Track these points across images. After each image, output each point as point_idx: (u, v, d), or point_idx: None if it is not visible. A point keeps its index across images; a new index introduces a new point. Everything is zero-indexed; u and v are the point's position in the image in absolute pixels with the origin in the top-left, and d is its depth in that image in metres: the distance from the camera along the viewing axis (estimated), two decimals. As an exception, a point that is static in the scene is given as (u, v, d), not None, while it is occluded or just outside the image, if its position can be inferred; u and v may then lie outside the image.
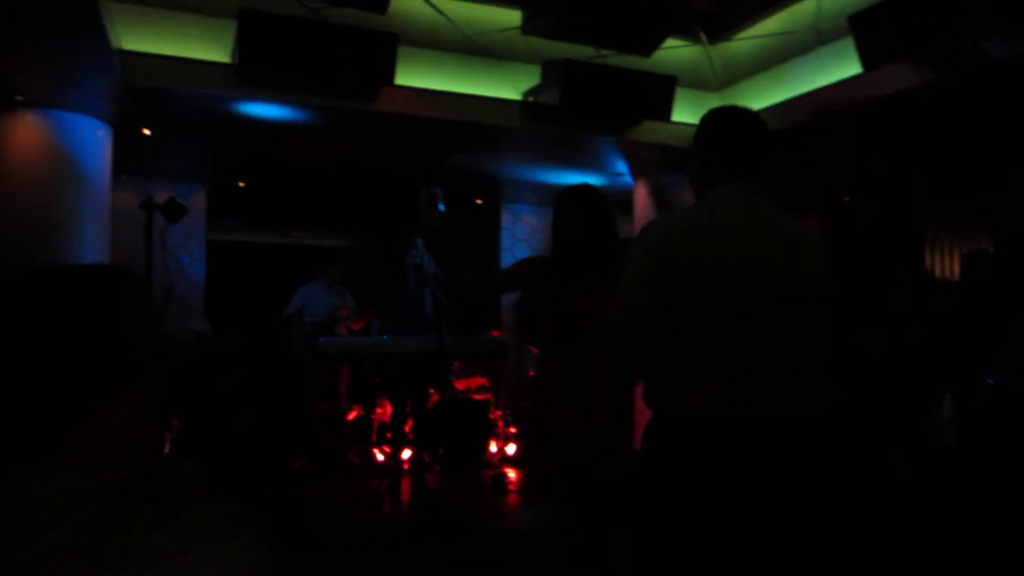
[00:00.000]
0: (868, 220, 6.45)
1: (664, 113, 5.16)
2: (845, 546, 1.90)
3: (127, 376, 0.92)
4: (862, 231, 6.49)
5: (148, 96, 4.53)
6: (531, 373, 6.30)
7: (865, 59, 4.34)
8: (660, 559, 1.94)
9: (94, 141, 4.85)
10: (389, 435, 6.18)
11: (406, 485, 5.64)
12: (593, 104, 5.00)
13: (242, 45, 4.10)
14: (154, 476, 0.99)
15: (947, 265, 7.96)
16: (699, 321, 1.92)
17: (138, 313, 0.96)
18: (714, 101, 5.66)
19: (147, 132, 5.30)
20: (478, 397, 6.64)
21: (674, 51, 5.29)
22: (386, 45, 4.37)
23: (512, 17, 4.82)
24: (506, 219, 8.45)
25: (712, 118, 2.17)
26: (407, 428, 5.75)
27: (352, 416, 7.33)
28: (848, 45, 4.47)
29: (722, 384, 1.89)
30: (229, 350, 6.35)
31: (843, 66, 4.75)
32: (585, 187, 2.91)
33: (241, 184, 7.38)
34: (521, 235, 8.49)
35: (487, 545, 4.61)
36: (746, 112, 2.14)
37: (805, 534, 1.89)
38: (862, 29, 4.29)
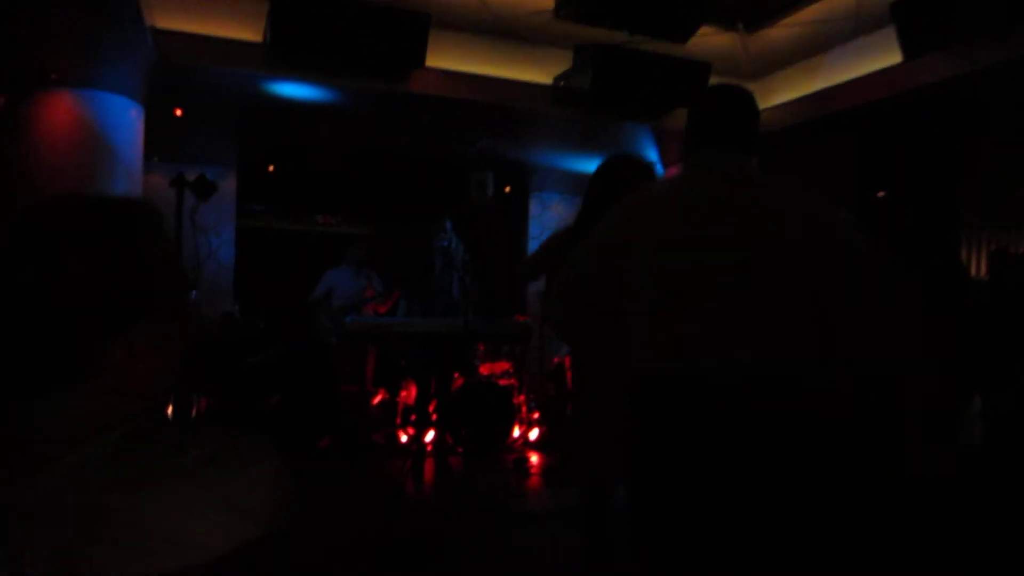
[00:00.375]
0: (902, 216, 6.35)
1: (698, 100, 5.09)
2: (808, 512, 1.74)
3: (148, 301, 0.95)
4: (895, 227, 6.39)
5: (180, 75, 4.56)
6: (555, 360, 6.29)
7: (906, 48, 4.26)
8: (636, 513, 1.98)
9: (127, 120, 4.90)
10: (413, 417, 6.20)
11: (429, 467, 5.66)
12: (625, 90, 4.95)
13: (274, 24, 4.11)
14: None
15: (984, 262, 7.81)
16: (651, 285, 1.94)
17: (158, 242, 0.99)
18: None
19: (179, 113, 5.33)
20: (502, 382, 6.63)
21: (709, 38, 5.21)
22: (418, 26, 4.35)
23: (545, 0, 4.78)
24: (534, 208, 8.42)
25: (700, 94, 2.23)
26: (431, 410, 5.76)
27: (377, 400, 7.36)
28: (888, 34, 4.39)
29: (669, 344, 1.89)
30: (257, 331, 6.39)
31: (882, 55, 4.66)
32: (625, 157, 2.89)
33: (271, 168, 7.41)
34: (549, 224, 8.45)
35: (507, 526, 4.62)
36: (731, 88, 2.13)
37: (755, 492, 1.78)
38: (904, 17, 4.21)
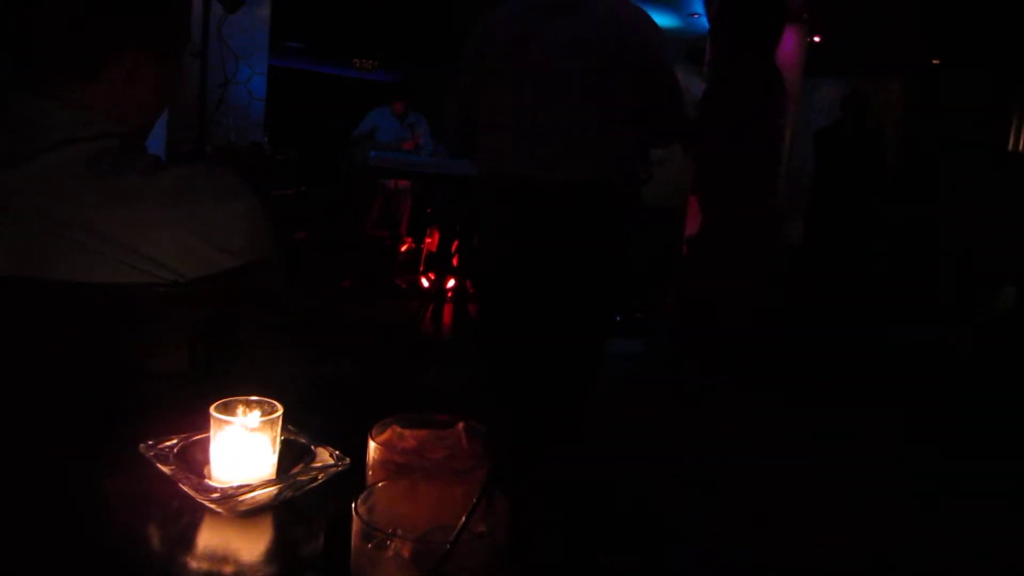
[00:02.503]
0: (952, 86, 6.02)
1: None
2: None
3: (152, 24, 1.01)
4: (948, 96, 6.08)
5: None
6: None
7: None
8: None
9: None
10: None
11: (448, 311, 5.72)
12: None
13: None
14: None
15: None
16: (489, 98, 2.21)
17: None
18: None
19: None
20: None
21: None
22: None
23: None
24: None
25: None
26: (453, 256, 5.76)
27: (405, 247, 7.39)
28: None
29: (498, 151, 2.22)
30: (286, 164, 6.34)
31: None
32: None
33: (307, -2, 7.16)
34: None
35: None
36: None
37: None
38: None
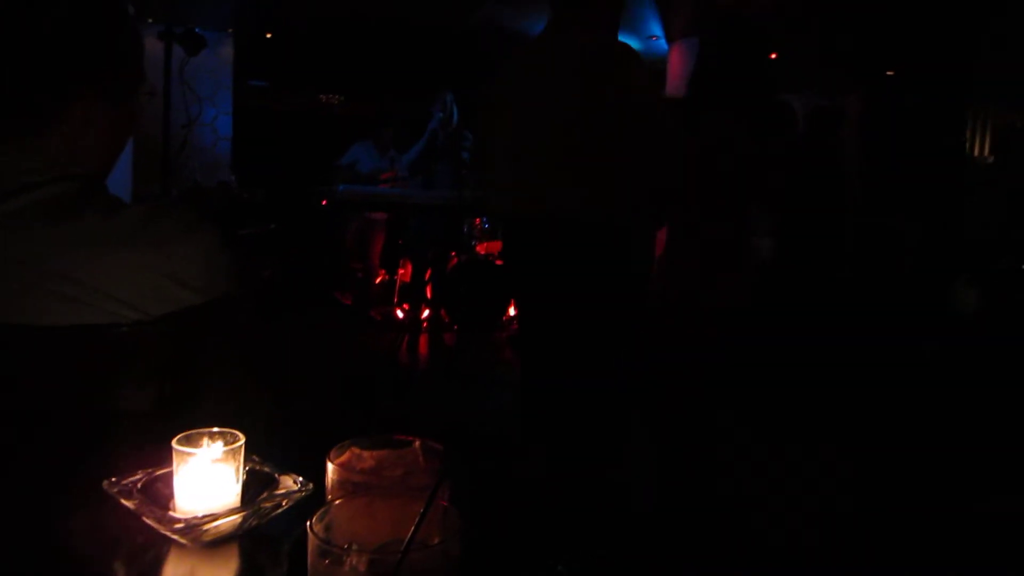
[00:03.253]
0: (910, 96, 6.17)
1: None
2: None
3: (107, 70, 1.02)
4: (903, 108, 6.23)
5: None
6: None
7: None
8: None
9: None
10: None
11: (423, 342, 5.73)
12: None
13: None
14: None
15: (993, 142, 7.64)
16: (493, 143, 2.36)
17: (125, 27, 1.06)
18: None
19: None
20: (499, 262, 6.63)
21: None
22: None
23: None
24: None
25: None
26: (426, 287, 5.78)
27: (379, 280, 7.40)
28: None
29: (497, 189, 2.40)
30: (255, 202, 6.35)
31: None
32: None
33: (269, 36, 7.21)
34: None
35: (497, 391, 4.70)
36: None
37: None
38: None
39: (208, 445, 0.79)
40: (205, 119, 6.57)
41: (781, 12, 5.26)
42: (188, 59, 4.15)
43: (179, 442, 0.78)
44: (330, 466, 0.69)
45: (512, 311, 6.58)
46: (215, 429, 0.80)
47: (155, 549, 0.75)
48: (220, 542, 0.77)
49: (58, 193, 0.96)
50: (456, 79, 8.05)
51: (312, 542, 0.55)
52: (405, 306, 6.43)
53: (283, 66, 8.69)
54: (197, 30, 4.07)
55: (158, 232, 0.99)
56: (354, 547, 0.55)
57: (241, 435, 0.80)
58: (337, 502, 0.60)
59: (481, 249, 6.72)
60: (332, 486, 0.68)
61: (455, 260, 6.32)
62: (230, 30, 6.94)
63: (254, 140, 7.95)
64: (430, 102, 5.35)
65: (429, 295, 5.77)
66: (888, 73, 6.25)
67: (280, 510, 0.79)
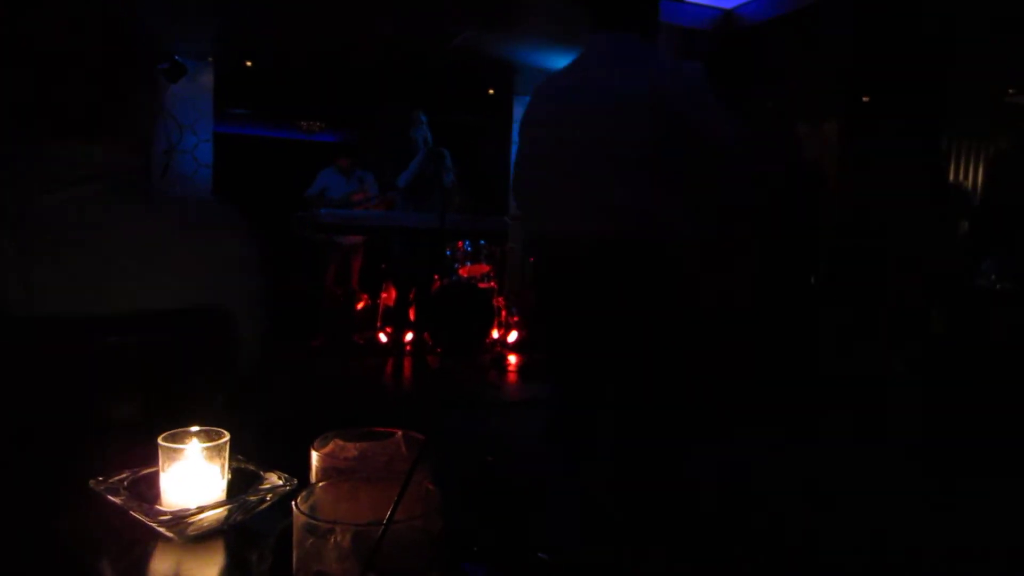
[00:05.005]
0: (886, 122, 6.28)
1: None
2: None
3: (139, 74, 1.16)
4: (880, 134, 6.33)
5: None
6: (531, 260, 6.29)
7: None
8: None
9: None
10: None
11: (407, 365, 5.73)
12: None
13: None
14: None
15: (970, 168, 7.78)
16: (532, 162, 2.31)
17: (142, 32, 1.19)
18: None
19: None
20: (482, 285, 6.66)
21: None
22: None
23: None
24: (518, 112, 8.28)
25: None
26: (410, 310, 5.79)
27: (361, 304, 7.39)
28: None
29: (537, 211, 2.33)
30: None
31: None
32: None
33: (248, 64, 7.25)
34: (533, 130, 8.33)
35: (483, 414, 4.70)
36: None
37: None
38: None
39: (194, 442, 0.80)
40: (186, 146, 6.58)
41: (764, 39, 5.37)
42: (169, 86, 4.16)
43: (165, 439, 0.79)
44: (314, 455, 0.70)
45: (496, 334, 6.60)
46: (200, 428, 0.82)
47: (142, 544, 0.76)
48: (206, 536, 0.78)
49: (115, 182, 1.09)
50: (435, 103, 8.13)
51: (298, 520, 0.56)
52: (388, 329, 6.43)
53: (263, 94, 8.73)
54: (177, 58, 4.08)
55: (209, 227, 1.15)
56: (339, 523, 0.57)
57: (226, 432, 0.82)
58: (321, 484, 0.62)
59: (464, 272, 6.74)
60: (316, 475, 0.70)
61: (438, 283, 6.34)
62: (210, 59, 6.98)
63: (236, 166, 7.96)
64: (407, 125, 5.40)
65: (412, 318, 5.78)
66: (864, 99, 6.37)
67: (265, 504, 0.81)
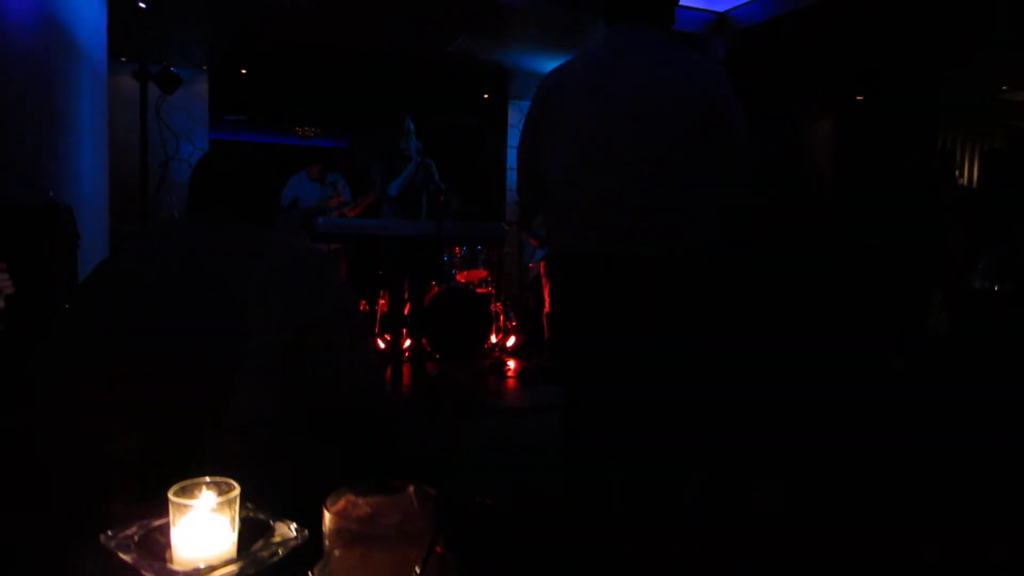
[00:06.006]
0: (881, 120, 6.30)
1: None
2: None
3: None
4: (874, 131, 6.35)
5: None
6: (531, 265, 6.30)
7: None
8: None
9: (90, 11, 4.74)
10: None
11: (406, 371, 5.71)
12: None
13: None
14: None
15: (963, 164, 7.80)
16: (560, 163, 2.08)
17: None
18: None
19: (142, 5, 5.16)
20: (479, 290, 6.66)
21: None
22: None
23: None
24: (514, 116, 8.29)
25: None
26: (407, 317, 5.77)
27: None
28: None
29: (573, 225, 2.09)
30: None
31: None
32: None
33: (244, 71, 7.24)
34: (529, 133, 8.32)
35: (483, 420, 4.70)
36: None
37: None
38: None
39: (204, 496, 0.80)
40: (182, 155, 6.56)
41: (758, 40, 5.38)
42: (164, 97, 4.16)
43: (175, 493, 0.79)
44: (327, 515, 0.70)
45: (494, 338, 6.60)
46: (209, 479, 0.81)
47: (153, 602, 0.76)
48: (218, 593, 0.78)
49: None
50: (430, 107, 8.13)
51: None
52: (386, 336, 6.43)
53: (259, 100, 8.72)
54: (173, 69, 4.07)
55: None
56: (355, 597, 0.57)
57: (235, 484, 0.82)
58: (336, 553, 0.62)
59: (462, 277, 6.74)
60: (329, 534, 0.70)
61: (435, 289, 6.34)
62: (204, 67, 6.97)
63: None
64: (397, 133, 5.39)
65: (411, 324, 5.77)
66: (858, 98, 6.38)
67: (277, 558, 0.80)
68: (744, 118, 2.07)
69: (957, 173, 6.40)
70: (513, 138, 8.26)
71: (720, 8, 5.49)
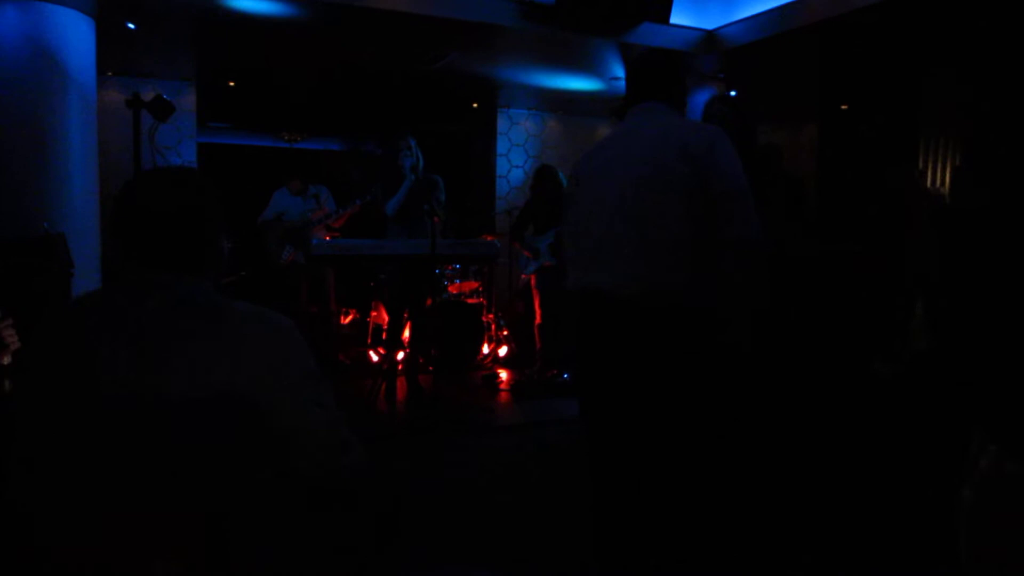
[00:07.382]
0: (864, 130, 6.37)
1: (663, 14, 5.02)
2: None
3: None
4: (857, 140, 6.43)
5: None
6: (523, 276, 6.34)
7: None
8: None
9: (78, 35, 4.73)
10: (384, 337, 6.22)
11: (400, 385, 5.75)
12: (590, 3, 4.86)
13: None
14: None
15: (944, 175, 7.88)
16: (575, 221, 2.51)
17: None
18: (713, 5, 5.50)
19: (131, 26, 5.16)
20: (471, 301, 6.70)
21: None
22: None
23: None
24: (502, 124, 8.31)
25: (633, 59, 2.63)
26: (404, 331, 5.79)
27: (347, 320, 7.39)
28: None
29: (577, 267, 2.50)
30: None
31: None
32: None
33: (231, 84, 7.22)
34: (517, 140, 8.36)
35: (477, 437, 4.76)
36: (660, 51, 2.52)
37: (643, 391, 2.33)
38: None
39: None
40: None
41: (745, 50, 5.44)
42: (158, 125, 4.18)
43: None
44: None
45: (486, 348, 6.64)
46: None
47: None
48: None
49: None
50: (419, 116, 8.13)
51: None
52: (380, 349, 6.46)
53: (246, 111, 8.69)
54: (166, 92, 4.08)
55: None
56: None
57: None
58: None
59: (454, 289, 6.78)
60: None
61: (429, 302, 6.37)
62: (192, 81, 6.95)
63: (222, 184, 7.90)
64: (396, 149, 5.39)
65: (407, 339, 5.80)
66: (842, 107, 6.45)
67: None
68: (735, 162, 2.28)
69: (937, 184, 6.48)
70: (502, 146, 8.30)
71: (709, 27, 5.55)
